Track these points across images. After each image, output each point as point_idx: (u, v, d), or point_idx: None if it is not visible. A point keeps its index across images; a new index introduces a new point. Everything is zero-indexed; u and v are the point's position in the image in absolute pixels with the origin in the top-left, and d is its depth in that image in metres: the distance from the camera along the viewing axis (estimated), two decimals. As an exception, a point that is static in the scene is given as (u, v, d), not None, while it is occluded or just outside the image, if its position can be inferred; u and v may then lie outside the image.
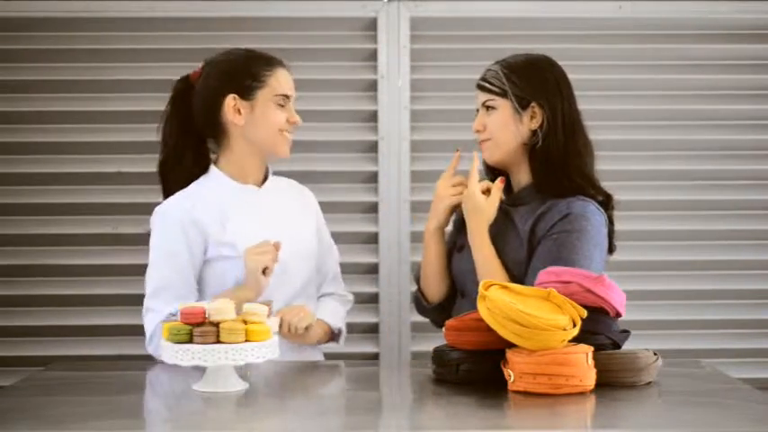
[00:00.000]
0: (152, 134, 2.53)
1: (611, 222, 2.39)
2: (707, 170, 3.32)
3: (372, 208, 3.29)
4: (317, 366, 2.42)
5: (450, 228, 2.53)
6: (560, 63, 2.43)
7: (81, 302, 3.22)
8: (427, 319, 2.60)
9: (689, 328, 3.30)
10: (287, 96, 2.44)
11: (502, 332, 1.97)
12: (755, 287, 3.32)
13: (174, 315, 2.29)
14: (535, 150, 2.38)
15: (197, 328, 1.98)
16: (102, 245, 3.23)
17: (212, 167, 2.48)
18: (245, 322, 2.00)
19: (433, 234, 2.47)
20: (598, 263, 2.30)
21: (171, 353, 1.98)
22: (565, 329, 1.96)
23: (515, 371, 1.97)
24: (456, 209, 2.46)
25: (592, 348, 2.00)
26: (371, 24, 3.28)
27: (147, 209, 2.48)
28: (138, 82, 3.24)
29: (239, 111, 2.41)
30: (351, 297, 2.68)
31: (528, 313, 1.94)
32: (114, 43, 3.25)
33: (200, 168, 2.48)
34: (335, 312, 2.57)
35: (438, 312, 2.51)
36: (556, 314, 1.98)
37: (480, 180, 2.40)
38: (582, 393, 1.96)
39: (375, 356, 3.26)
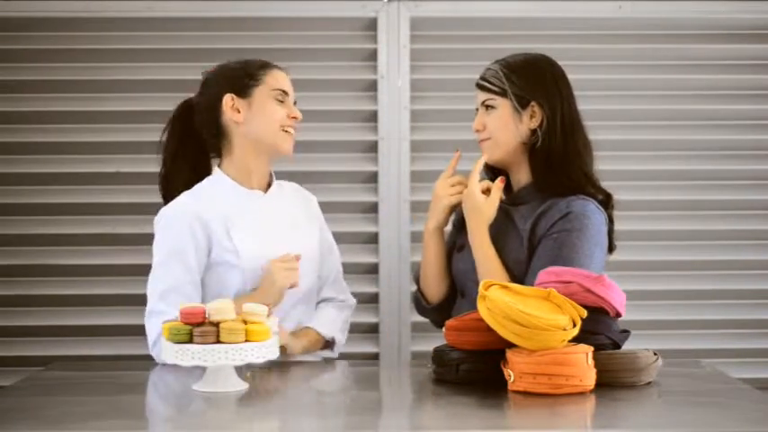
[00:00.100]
0: (151, 134, 2.53)
1: (610, 221, 2.39)
2: (707, 170, 3.32)
3: (372, 208, 3.28)
4: (317, 366, 2.42)
5: (449, 227, 2.53)
6: (560, 63, 2.43)
7: (80, 302, 3.22)
8: (427, 319, 2.59)
9: (689, 328, 3.30)
10: (285, 92, 2.44)
11: (502, 332, 1.96)
12: (755, 287, 3.32)
13: (178, 317, 2.27)
14: (535, 149, 2.37)
15: (197, 328, 1.98)
16: (101, 245, 3.23)
17: (216, 169, 2.46)
18: (245, 322, 2.00)
19: (433, 234, 2.47)
20: (598, 261, 2.30)
21: (171, 353, 1.99)
22: (565, 329, 1.96)
23: (515, 371, 1.96)
24: (455, 208, 2.46)
25: (592, 348, 2.00)
26: (371, 24, 3.28)
27: (146, 209, 2.48)
28: (137, 82, 3.24)
29: (238, 109, 2.41)
30: (352, 302, 2.62)
31: (528, 313, 1.93)
32: (113, 43, 3.25)
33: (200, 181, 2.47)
34: (330, 320, 2.51)
35: (438, 312, 2.51)
36: (556, 314, 1.98)
37: (480, 180, 2.40)
38: (582, 393, 1.96)
39: (375, 356, 3.26)
